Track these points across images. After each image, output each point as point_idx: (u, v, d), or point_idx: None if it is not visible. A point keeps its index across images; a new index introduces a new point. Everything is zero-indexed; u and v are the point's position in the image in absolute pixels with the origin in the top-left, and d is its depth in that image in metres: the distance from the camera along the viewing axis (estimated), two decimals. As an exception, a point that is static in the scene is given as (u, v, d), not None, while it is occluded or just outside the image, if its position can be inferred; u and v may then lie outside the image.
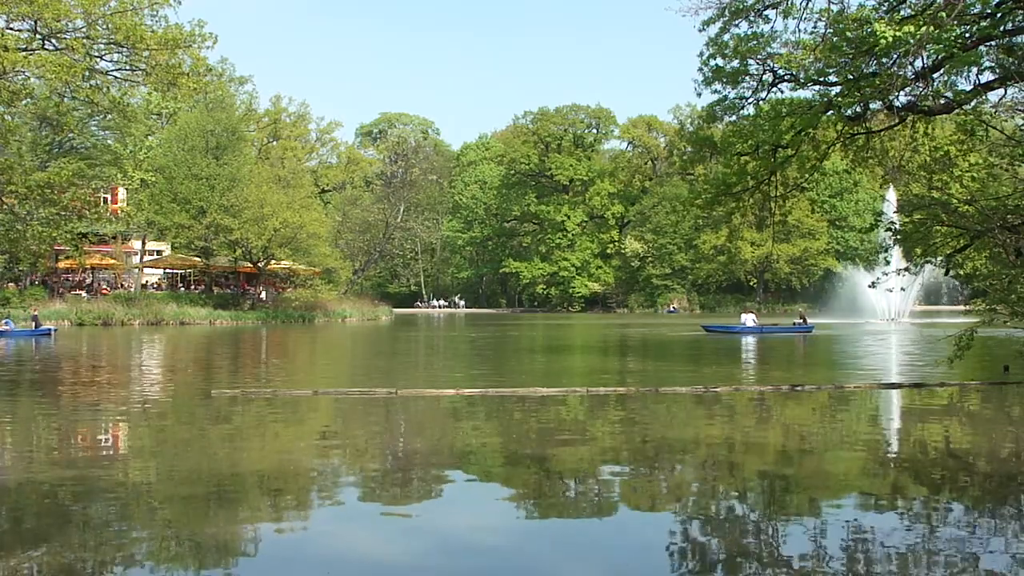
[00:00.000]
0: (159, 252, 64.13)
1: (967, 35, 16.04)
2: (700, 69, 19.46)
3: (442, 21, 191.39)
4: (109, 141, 53.97)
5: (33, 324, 37.39)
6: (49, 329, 36.87)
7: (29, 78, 22.28)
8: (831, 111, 18.28)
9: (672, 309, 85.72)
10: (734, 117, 20.10)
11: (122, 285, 59.16)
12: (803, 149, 19.96)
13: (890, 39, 14.52)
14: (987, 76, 17.20)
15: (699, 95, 20.11)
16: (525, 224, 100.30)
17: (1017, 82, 16.39)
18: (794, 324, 40.27)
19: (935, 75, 16.54)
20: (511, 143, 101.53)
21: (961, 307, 52.46)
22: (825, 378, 18.41)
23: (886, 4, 17.27)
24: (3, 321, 36.83)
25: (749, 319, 39.61)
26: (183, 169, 54.77)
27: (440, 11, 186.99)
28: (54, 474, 9.09)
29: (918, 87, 16.82)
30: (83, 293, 54.25)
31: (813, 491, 8.61)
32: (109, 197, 58.52)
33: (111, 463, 9.87)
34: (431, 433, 12.16)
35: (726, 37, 18.78)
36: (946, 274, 21.03)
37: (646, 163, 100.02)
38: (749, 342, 33.22)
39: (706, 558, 6.51)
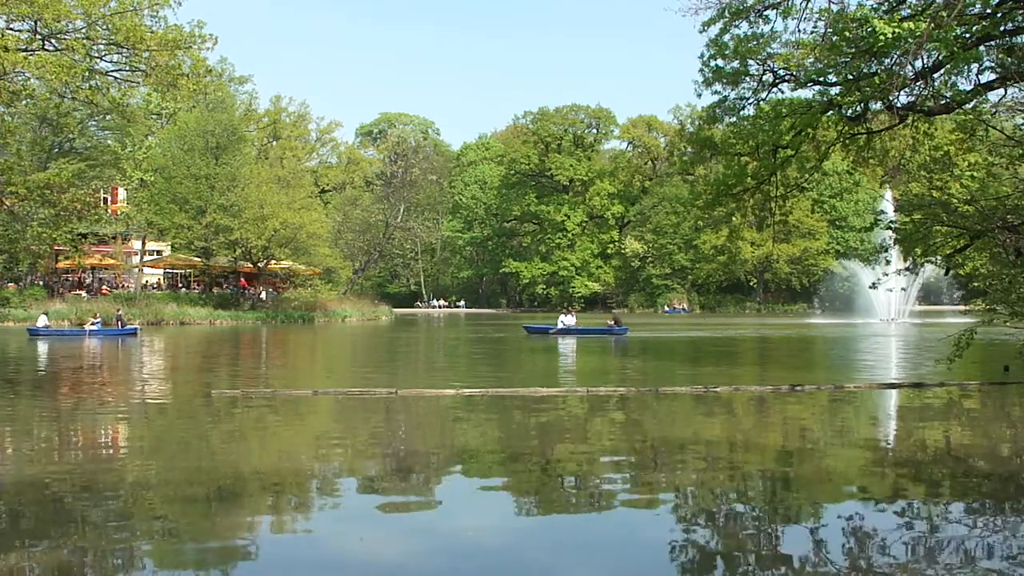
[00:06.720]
0: (159, 252, 64.11)
1: (967, 35, 16.02)
2: (701, 70, 19.42)
3: (442, 21, 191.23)
4: (109, 142, 53.94)
5: (119, 324, 38.29)
6: (134, 329, 38.17)
7: (29, 78, 22.22)
8: (831, 111, 18.26)
9: (673, 309, 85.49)
10: (734, 118, 20.07)
11: (122, 285, 59.15)
12: (803, 149, 19.93)
13: (889, 36, 14.50)
14: (987, 76, 17.19)
15: (699, 96, 20.06)
16: (525, 224, 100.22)
17: (1017, 82, 16.38)
18: (607, 325, 39.64)
19: (935, 75, 16.52)
20: (511, 143, 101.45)
21: (961, 307, 52.35)
22: (825, 378, 18.40)
23: (886, 4, 17.24)
24: (92, 321, 38.10)
25: (565, 320, 38.97)
26: (182, 169, 54.71)
27: (440, 11, 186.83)
28: (56, 474, 9.09)
29: (918, 87, 16.80)
30: (83, 293, 54.23)
31: (813, 490, 8.61)
32: (109, 198, 58.55)
33: (112, 463, 9.87)
34: (431, 433, 12.16)
35: (726, 38, 18.74)
36: (946, 274, 21.01)
37: (646, 163, 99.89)
38: (567, 343, 32.45)
39: (706, 558, 6.51)
